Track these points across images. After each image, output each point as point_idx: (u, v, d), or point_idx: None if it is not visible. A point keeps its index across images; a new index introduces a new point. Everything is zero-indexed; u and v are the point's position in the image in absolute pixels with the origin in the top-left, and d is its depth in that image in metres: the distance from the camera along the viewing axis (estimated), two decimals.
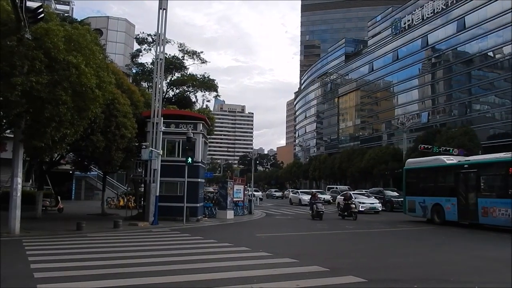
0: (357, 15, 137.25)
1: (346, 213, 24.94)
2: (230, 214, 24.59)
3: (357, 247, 13.66)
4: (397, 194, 37.05)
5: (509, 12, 54.03)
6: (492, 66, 58.50)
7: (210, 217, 24.10)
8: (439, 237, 16.71)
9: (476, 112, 60.77)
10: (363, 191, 41.09)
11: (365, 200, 32.67)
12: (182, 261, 10.04)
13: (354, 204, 25.54)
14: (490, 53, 58.12)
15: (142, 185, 25.56)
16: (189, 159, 20.35)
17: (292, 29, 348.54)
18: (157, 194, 20.04)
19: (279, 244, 14.26)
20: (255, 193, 54.28)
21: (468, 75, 61.98)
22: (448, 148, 42.96)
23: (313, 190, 40.68)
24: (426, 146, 44.47)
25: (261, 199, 51.41)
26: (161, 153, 20.44)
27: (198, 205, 22.35)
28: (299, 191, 50.51)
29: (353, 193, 33.51)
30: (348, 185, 64.12)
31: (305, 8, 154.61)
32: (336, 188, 53.07)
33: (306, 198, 39.62)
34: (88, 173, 31.30)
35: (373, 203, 32.28)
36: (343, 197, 28.62)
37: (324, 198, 38.60)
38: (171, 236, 15.78)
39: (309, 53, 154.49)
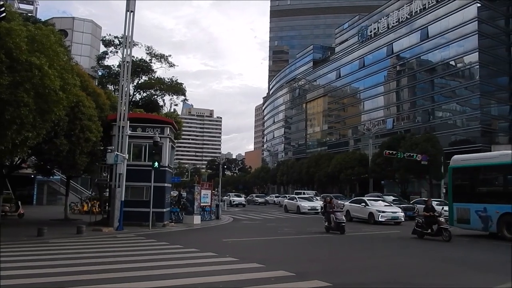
0: (325, 22, 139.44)
1: (330, 225, 19.55)
2: (197, 219, 24.37)
3: (324, 252, 13.77)
4: (395, 198, 33.99)
5: (470, 23, 56.16)
6: (453, 75, 60.56)
7: (177, 222, 23.83)
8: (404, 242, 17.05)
9: (438, 119, 62.68)
10: (372, 195, 36.49)
11: (385, 208, 25.99)
12: (146, 267, 9.87)
13: (339, 212, 19.95)
14: (452, 62, 60.16)
15: (107, 190, 25.04)
16: (156, 164, 20.08)
17: (261, 34, 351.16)
18: (123, 199, 19.66)
19: (246, 249, 14.22)
20: (236, 198, 52.86)
21: (431, 83, 63.92)
22: (412, 154, 44.08)
23: (330, 195, 31.00)
24: (391, 152, 45.44)
25: (243, 205, 50.43)
26: (127, 157, 20.08)
27: (164, 210, 22.06)
28: (297, 196, 41.65)
29: (367, 199, 27.81)
30: (315, 190, 64.79)
31: (274, 14, 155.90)
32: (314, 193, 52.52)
33: (306, 205, 36.45)
34: (51, 177, 30.44)
35: (395, 212, 25.46)
36: (356, 204, 24.73)
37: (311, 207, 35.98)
38: (136, 242, 15.49)
39: (278, 58, 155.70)
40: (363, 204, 26.79)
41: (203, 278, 8.70)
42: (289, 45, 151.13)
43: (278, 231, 20.38)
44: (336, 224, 18.90)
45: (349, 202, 29.29)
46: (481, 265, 11.12)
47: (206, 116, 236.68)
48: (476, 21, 55.55)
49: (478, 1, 56.44)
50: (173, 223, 23.14)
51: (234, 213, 35.13)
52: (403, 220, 25.14)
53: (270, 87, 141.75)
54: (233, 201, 51.09)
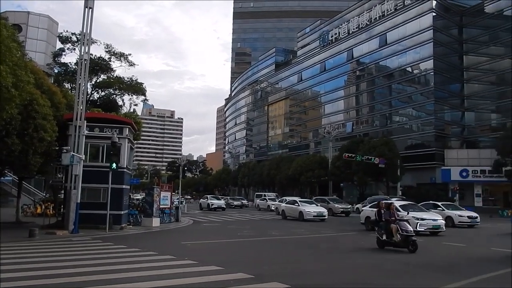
0: (287, 25, 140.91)
1: (392, 239, 14.41)
2: (156, 221, 23.96)
3: (283, 254, 13.82)
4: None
5: (426, 31, 58.20)
6: (410, 81, 62.57)
7: (135, 225, 23.33)
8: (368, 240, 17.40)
9: (395, 123, 64.54)
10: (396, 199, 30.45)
11: (425, 215, 21.45)
12: (102, 271, 9.58)
13: (405, 221, 14.92)
14: (409, 69, 62.12)
15: (62, 192, 24.20)
16: (114, 165, 19.60)
17: (224, 36, 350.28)
18: (78, 201, 19.06)
19: (205, 251, 14.11)
20: (215, 201, 46.43)
21: (389, 88, 65.75)
22: (370, 157, 45.15)
23: (387, 198, 28.81)
24: (350, 155, 46.36)
25: (222, 209, 44.72)
26: (83, 158, 19.49)
27: (122, 212, 21.56)
28: (298, 200, 35.01)
29: (399, 204, 20.73)
30: (276, 192, 65.23)
31: (237, 16, 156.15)
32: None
33: (311, 210, 30.48)
34: (2, 178, 29.08)
35: (436, 220, 21.27)
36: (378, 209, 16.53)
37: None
38: (92, 245, 15.03)
39: (240, 60, 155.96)
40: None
41: (160, 281, 8.55)
42: (252, 47, 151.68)
43: (238, 233, 20.32)
44: (403, 237, 13.96)
45: (366, 208, 28.00)
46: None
47: (167, 117, 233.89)
48: (432, 30, 57.63)
49: (433, 10, 58.60)
50: (131, 226, 22.63)
51: (195, 215, 34.78)
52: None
53: (232, 89, 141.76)
54: (211, 204, 44.88)
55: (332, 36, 78.74)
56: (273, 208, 41.17)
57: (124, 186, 22.01)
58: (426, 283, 8.99)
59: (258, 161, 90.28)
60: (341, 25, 76.76)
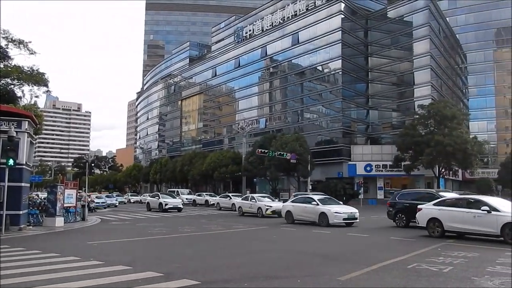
0: (202, 19, 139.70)
1: None
2: (59, 221, 22.26)
3: (193, 250, 13.50)
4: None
5: (335, 32, 60.81)
6: (320, 79, 65.10)
7: (36, 226, 21.47)
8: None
9: (306, 120, 66.79)
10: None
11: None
12: None
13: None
14: (319, 67, 64.60)
15: None
16: (11, 161, 17.78)
17: (136, 27, 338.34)
18: None
19: (112, 251, 13.30)
20: (169, 200, 37.55)
21: (301, 85, 67.86)
22: (282, 153, 46.14)
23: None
24: (262, 151, 46.99)
25: (179, 209, 35.91)
26: None
27: (21, 212, 19.68)
28: (311, 194, 30.47)
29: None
30: (189, 188, 64.40)
31: (149, 7, 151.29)
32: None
33: (339, 211, 21.44)
34: None
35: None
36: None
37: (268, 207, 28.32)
38: None
39: (153, 53, 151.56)
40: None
41: (62, 284, 7.90)
42: (165, 40, 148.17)
43: (149, 231, 19.55)
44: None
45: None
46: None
47: (73, 110, 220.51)
48: (340, 31, 60.39)
49: (342, 12, 61.40)
50: (31, 227, 20.78)
51: (103, 214, 33.01)
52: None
53: (145, 82, 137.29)
54: (165, 204, 36.14)
55: (246, 33, 79.35)
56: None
57: (23, 184, 20.12)
58: (329, 272, 9.21)
59: (171, 157, 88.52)
60: (255, 22, 77.64)
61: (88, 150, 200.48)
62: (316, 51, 64.06)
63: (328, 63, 62.51)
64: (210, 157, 64.88)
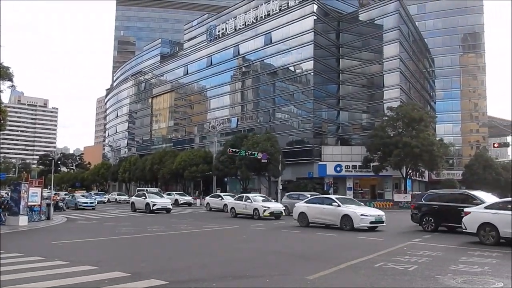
0: (174, 17, 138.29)
1: None
2: (23, 220, 21.47)
3: (162, 250, 13.32)
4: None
5: (307, 33, 61.19)
6: (292, 80, 65.38)
7: None
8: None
9: (278, 120, 66.95)
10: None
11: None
12: None
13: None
14: (291, 68, 64.87)
15: None
16: None
17: (106, 22, 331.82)
18: None
19: (78, 251, 12.94)
20: (157, 200, 33.87)
21: (273, 85, 67.97)
22: (253, 152, 46.08)
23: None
24: (234, 150, 46.84)
25: (168, 210, 32.60)
26: None
27: None
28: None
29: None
30: (159, 187, 63.58)
31: (120, 2, 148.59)
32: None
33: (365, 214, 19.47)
34: None
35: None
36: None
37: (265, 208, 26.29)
38: None
39: (123, 49, 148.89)
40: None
41: (27, 285, 7.69)
42: (136, 36, 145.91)
43: (116, 230, 19.12)
44: None
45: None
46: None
47: (39, 106, 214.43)
48: (312, 32, 60.79)
49: (314, 14, 61.84)
50: None
51: (69, 213, 32.13)
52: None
53: (114, 79, 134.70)
54: (153, 204, 32.51)
55: (219, 31, 78.90)
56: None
57: None
58: (300, 271, 9.20)
59: (141, 155, 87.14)
60: (228, 20, 77.29)
61: (55, 147, 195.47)
62: (289, 51, 64.29)
63: (300, 63, 62.83)
64: (181, 156, 64.22)
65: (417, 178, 61.42)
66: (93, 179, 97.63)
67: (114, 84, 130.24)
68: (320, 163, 58.23)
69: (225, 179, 63.50)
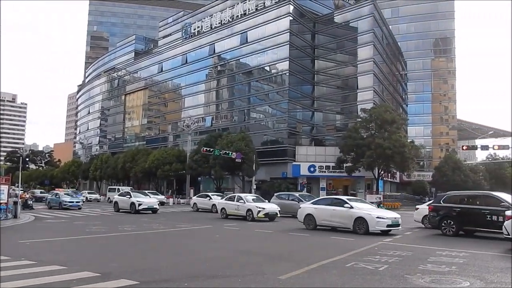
0: (149, 13, 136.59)
1: None
2: None
3: (133, 249, 13.10)
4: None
5: (283, 33, 61.38)
6: (267, 80, 65.49)
7: None
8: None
9: (253, 119, 66.94)
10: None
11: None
12: None
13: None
14: (267, 68, 64.97)
15: None
16: None
17: (79, 16, 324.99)
18: None
19: (46, 250, 12.55)
20: (143, 199, 31.52)
21: (248, 85, 67.91)
22: (227, 152, 45.94)
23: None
24: (208, 149, 46.59)
25: (155, 211, 30.59)
26: None
27: None
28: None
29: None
30: (131, 186, 62.68)
31: None
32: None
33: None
34: None
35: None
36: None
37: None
38: None
39: (96, 45, 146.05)
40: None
41: None
42: (110, 32, 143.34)
43: (86, 229, 18.69)
44: None
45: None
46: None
47: (7, 100, 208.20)
48: (288, 33, 61.00)
49: (290, 14, 62.09)
50: None
51: (38, 211, 31.27)
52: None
53: (86, 75, 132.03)
54: (139, 204, 30.45)
55: (195, 29, 78.29)
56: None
57: None
58: (271, 271, 9.19)
59: (113, 153, 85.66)
60: (204, 18, 76.79)
61: (23, 143, 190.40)
62: (264, 51, 64.35)
63: (276, 63, 62.98)
64: (154, 155, 63.42)
65: (389, 179, 62.47)
66: (63, 177, 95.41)
67: (86, 80, 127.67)
68: (294, 163, 58.50)
69: (199, 178, 63.11)
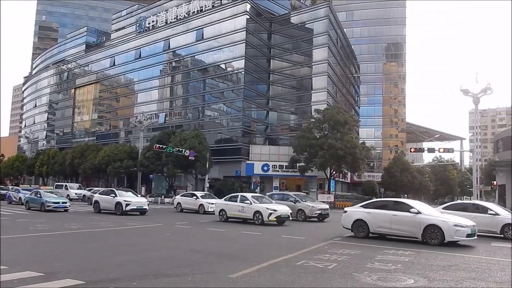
0: (102, 5, 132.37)
1: None
2: None
3: (79, 248, 12.52)
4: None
5: (239, 32, 61.25)
6: (223, 77, 65.18)
7: None
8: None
9: (207, 117, 66.45)
10: None
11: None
12: None
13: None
14: (223, 65, 64.63)
15: None
16: None
17: (27, 4, 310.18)
18: None
19: None
20: (131, 199, 27.63)
21: (203, 82, 67.33)
22: (180, 149, 45.27)
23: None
24: (161, 146, 45.75)
25: (144, 212, 27.24)
26: None
27: None
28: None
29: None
30: (80, 183, 60.55)
31: None
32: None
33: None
34: None
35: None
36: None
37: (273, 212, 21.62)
38: None
39: (45, 35, 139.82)
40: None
41: None
42: (60, 23, 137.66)
43: (30, 227, 17.75)
44: None
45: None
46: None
47: None
48: (245, 31, 60.97)
49: (247, 13, 62.06)
50: None
51: None
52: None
53: (34, 66, 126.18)
54: (127, 205, 26.65)
55: (149, 23, 76.65)
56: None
57: None
58: (221, 269, 9.13)
59: (61, 149, 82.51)
60: (159, 13, 75.37)
61: None
62: (220, 49, 63.97)
63: (232, 61, 62.79)
64: (104, 151, 61.62)
65: (340, 179, 63.83)
66: (7, 172, 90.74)
67: (34, 72, 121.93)
68: (248, 162, 58.56)
69: (151, 175, 61.94)
